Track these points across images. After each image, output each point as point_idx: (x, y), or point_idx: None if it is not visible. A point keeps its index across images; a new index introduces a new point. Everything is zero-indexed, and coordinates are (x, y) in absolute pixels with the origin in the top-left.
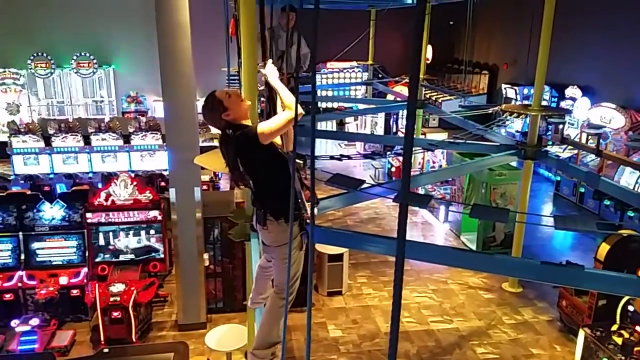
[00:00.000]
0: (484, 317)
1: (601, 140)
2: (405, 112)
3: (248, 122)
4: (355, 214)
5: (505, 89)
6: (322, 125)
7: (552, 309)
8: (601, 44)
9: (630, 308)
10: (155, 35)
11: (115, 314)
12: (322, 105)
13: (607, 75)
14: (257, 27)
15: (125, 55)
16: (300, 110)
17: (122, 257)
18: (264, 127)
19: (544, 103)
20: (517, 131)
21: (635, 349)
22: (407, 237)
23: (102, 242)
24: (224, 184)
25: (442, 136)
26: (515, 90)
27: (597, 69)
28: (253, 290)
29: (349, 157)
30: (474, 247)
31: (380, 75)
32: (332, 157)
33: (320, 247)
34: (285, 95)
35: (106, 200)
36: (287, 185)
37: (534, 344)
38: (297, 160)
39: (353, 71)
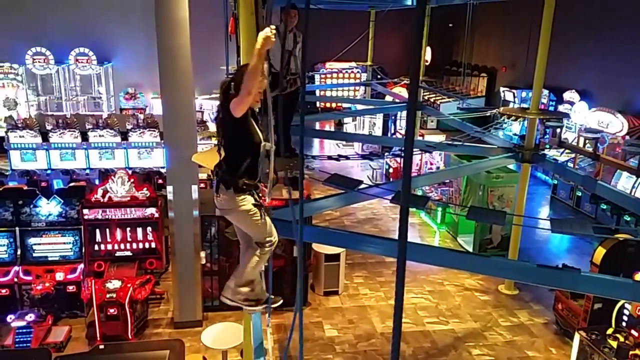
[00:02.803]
0: (480, 318)
1: (598, 145)
2: (403, 113)
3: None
4: (352, 215)
5: (503, 92)
6: (320, 125)
7: (548, 311)
8: (600, 49)
9: (626, 312)
10: (155, 32)
11: (111, 310)
12: (321, 105)
13: (605, 80)
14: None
15: (124, 52)
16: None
17: (118, 254)
18: (233, 101)
19: (542, 107)
20: (514, 134)
21: (631, 352)
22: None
23: (98, 238)
24: None
25: (440, 138)
26: (514, 94)
27: (596, 74)
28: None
29: (346, 158)
30: (470, 249)
31: (379, 76)
32: (329, 157)
33: (317, 247)
34: (251, 67)
35: (103, 196)
36: (246, 164)
37: (530, 347)
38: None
39: (352, 72)
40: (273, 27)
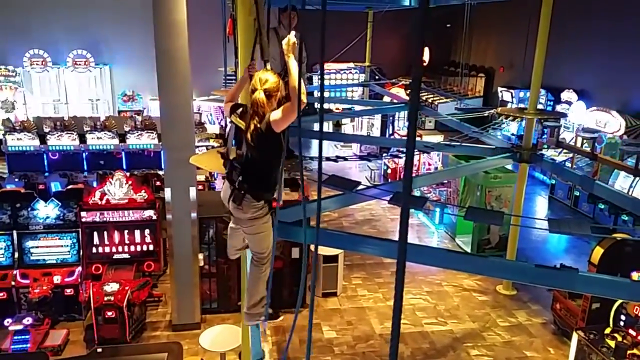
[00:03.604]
0: (478, 319)
1: (596, 144)
2: (401, 114)
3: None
4: (350, 216)
5: (501, 92)
6: (318, 126)
7: (546, 311)
8: (597, 49)
9: (624, 311)
10: (152, 34)
11: (109, 313)
12: (318, 106)
13: (603, 80)
14: (255, 25)
15: (122, 54)
16: (304, 98)
17: (116, 257)
18: (275, 116)
19: (539, 106)
20: (512, 134)
21: (628, 352)
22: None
23: (96, 241)
24: (220, 184)
25: (438, 138)
26: (512, 94)
27: (593, 73)
28: (229, 246)
29: (344, 159)
30: (468, 250)
31: (377, 77)
32: (327, 159)
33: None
34: (292, 79)
35: (101, 199)
36: (276, 175)
37: (528, 347)
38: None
39: (350, 72)
40: (294, 32)
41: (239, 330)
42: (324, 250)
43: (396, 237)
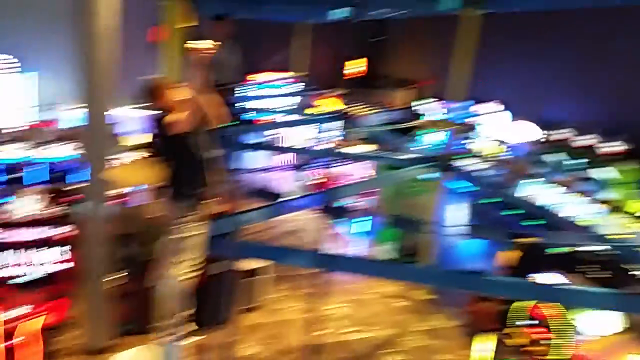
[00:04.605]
0: (397, 325)
1: (511, 153)
2: (333, 124)
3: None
4: (276, 227)
5: (425, 104)
6: (245, 137)
7: (461, 314)
8: (516, 64)
9: (523, 312)
10: (74, 41)
11: (16, 340)
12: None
13: (521, 93)
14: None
15: (39, 61)
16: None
17: (24, 279)
18: (168, 119)
19: (460, 118)
20: (432, 145)
21: (525, 349)
22: (326, 249)
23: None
24: (136, 200)
25: (363, 149)
26: (435, 106)
27: (512, 87)
28: (156, 266)
29: (274, 169)
30: (390, 257)
31: (309, 88)
32: (256, 170)
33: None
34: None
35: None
36: (188, 176)
37: (444, 349)
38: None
39: (282, 83)
40: (211, 41)
41: (156, 352)
42: (247, 263)
43: (321, 248)
